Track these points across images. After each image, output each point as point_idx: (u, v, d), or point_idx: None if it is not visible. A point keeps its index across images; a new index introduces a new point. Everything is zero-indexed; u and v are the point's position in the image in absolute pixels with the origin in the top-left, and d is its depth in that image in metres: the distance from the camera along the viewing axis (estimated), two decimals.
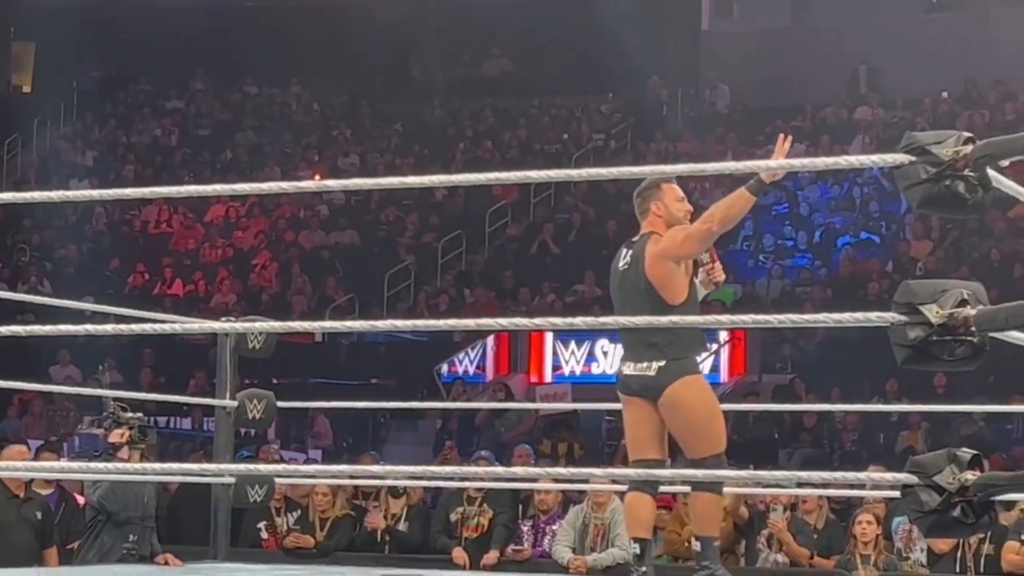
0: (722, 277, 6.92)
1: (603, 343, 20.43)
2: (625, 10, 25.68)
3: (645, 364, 6.71)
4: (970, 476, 4.15)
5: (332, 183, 4.82)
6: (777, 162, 4.76)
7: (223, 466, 8.69)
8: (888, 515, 10.21)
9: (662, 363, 6.68)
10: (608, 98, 27.99)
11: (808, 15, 28.00)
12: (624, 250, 6.91)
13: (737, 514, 10.40)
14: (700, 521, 6.87)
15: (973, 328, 4.17)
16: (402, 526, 10.94)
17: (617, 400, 6.92)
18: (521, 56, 28.93)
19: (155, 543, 9.20)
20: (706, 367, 7.12)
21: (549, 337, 20.73)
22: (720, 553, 7.16)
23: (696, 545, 7.15)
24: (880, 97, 25.78)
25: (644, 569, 6.77)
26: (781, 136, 6.47)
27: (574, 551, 10.26)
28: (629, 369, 6.78)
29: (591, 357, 20.61)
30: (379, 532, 11.04)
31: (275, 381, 16.64)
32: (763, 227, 22.15)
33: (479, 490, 10.74)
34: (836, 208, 22.93)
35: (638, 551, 6.81)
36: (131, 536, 9.03)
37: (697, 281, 6.89)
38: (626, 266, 6.82)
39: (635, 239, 6.89)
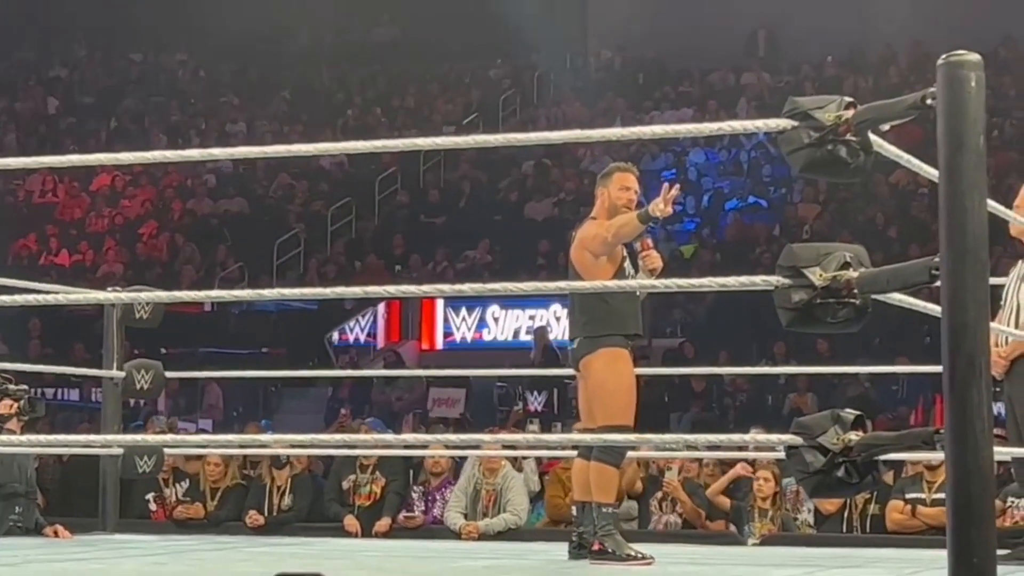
0: (657, 264, 7.16)
1: (494, 309, 20.46)
2: None
3: (573, 339, 7.13)
4: (853, 436, 4.20)
5: (217, 151, 4.76)
6: (663, 128, 4.79)
7: (111, 437, 8.61)
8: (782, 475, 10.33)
9: (581, 337, 7.05)
10: (497, 64, 27.98)
11: None
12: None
13: (632, 488, 10.49)
14: (596, 488, 7.00)
15: (855, 290, 4.21)
16: (287, 498, 10.90)
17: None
18: (410, 22, 28.82)
19: (38, 516, 9.13)
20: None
21: (440, 304, 20.74)
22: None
23: (573, 509, 7.34)
24: (766, 62, 25.96)
25: (581, 529, 7.08)
26: (667, 184, 6.79)
27: (466, 517, 10.29)
28: (569, 345, 7.23)
29: (482, 323, 20.63)
30: (269, 504, 10.98)
31: (164, 351, 16.59)
32: (651, 191, 22.21)
33: (371, 457, 10.75)
34: (724, 172, 23.09)
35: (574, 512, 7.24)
36: (16, 508, 8.97)
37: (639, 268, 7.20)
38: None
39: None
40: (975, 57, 4.11)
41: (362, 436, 5.72)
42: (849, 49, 25.18)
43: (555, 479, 10.62)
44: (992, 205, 4.57)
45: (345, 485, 10.87)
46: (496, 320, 20.50)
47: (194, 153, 4.86)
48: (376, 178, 24.05)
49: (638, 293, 7.12)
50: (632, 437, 6.14)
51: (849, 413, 4.26)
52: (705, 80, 25.92)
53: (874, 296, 4.31)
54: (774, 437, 4.54)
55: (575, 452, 7.41)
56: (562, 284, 6.04)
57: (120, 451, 8.83)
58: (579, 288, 6.94)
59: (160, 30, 28.90)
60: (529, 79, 27.04)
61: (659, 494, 10.52)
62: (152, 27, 28.82)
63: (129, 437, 8.66)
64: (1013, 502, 9.34)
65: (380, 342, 20.99)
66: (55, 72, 29.63)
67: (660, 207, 6.65)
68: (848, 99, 4.23)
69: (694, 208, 22.03)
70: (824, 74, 24.59)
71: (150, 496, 11.20)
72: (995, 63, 21.79)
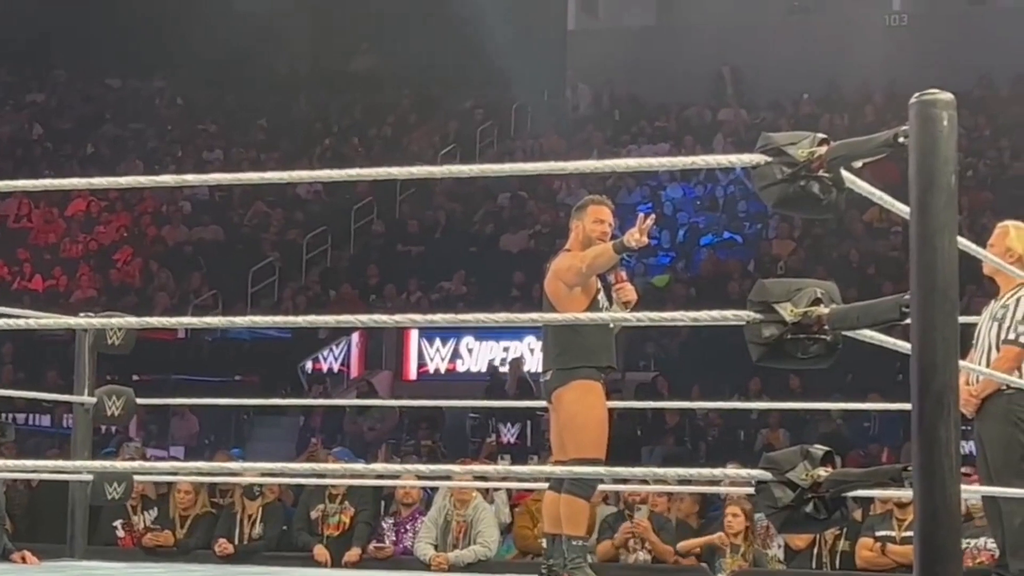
0: (631, 297, 7.16)
1: (468, 340, 20.45)
2: (493, 9, 25.71)
3: (546, 371, 7.14)
4: (822, 472, 4.21)
5: (191, 177, 4.75)
6: (638, 162, 4.79)
7: (80, 463, 8.57)
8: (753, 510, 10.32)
9: (553, 370, 7.07)
10: (475, 96, 28.02)
11: (673, 15, 28.23)
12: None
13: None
14: (566, 521, 6.99)
15: (826, 326, 4.22)
16: (258, 527, 10.86)
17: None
18: (388, 53, 28.85)
19: (7, 541, 9.08)
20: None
21: (414, 335, 20.71)
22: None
23: (543, 542, 7.36)
24: (743, 98, 26.05)
25: (551, 562, 7.06)
26: (642, 215, 6.78)
27: (436, 548, 10.26)
28: (541, 377, 7.24)
29: (456, 354, 20.61)
30: (239, 532, 10.94)
31: (136, 378, 16.51)
32: (627, 224, 22.23)
33: (339, 487, 10.72)
34: (699, 208, 23.14)
35: (544, 545, 7.29)
36: None
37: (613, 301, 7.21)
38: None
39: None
40: (947, 96, 4.13)
41: (332, 465, 5.71)
42: (826, 87, 25.29)
43: (525, 511, 10.61)
44: (965, 244, 4.59)
45: (314, 515, 10.83)
46: (470, 351, 20.49)
47: (168, 179, 4.85)
48: (352, 207, 24.05)
49: (612, 326, 7.12)
50: (602, 470, 6.14)
51: (818, 449, 4.27)
52: (682, 115, 26.00)
53: (845, 333, 4.32)
54: (744, 472, 4.55)
55: (547, 484, 7.40)
56: (536, 316, 6.03)
57: (90, 477, 8.79)
58: (553, 320, 6.94)
59: (138, 56, 28.87)
60: (507, 111, 27.09)
61: (627, 531, 10.46)
62: (130, 53, 28.79)
63: (99, 463, 8.61)
64: (969, 543, 9.33)
65: (353, 372, 20.94)
66: (32, 97, 29.59)
67: (636, 237, 6.65)
68: (821, 135, 4.24)
69: (669, 242, 22.07)
70: (800, 111, 24.68)
71: (117, 523, 11.14)
72: (970, 103, 21.92)
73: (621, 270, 7.14)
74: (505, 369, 19.47)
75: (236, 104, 28.95)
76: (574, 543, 6.94)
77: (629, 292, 7.14)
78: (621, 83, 26.91)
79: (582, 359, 7.00)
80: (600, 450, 6.93)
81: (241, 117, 28.53)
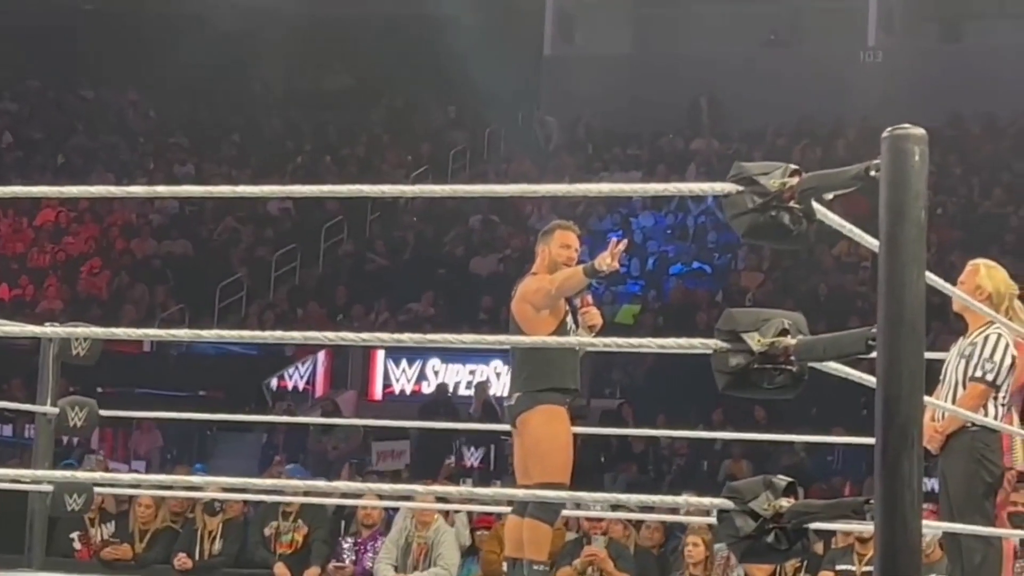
0: (597, 321, 7.16)
1: (434, 363, 20.42)
2: (468, 32, 25.74)
3: (511, 395, 7.11)
4: (785, 503, 4.20)
5: (161, 189, 4.74)
6: (610, 187, 4.80)
7: (41, 472, 8.52)
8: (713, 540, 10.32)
9: (519, 394, 7.04)
10: (448, 118, 28.03)
11: (649, 44, 28.30)
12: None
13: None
14: (528, 545, 6.97)
15: (793, 357, 4.22)
16: (218, 543, 10.83)
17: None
18: (363, 72, 28.85)
19: None
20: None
21: (380, 355, 20.68)
22: None
23: (504, 566, 7.33)
24: (716, 128, 26.12)
25: None
26: (614, 240, 6.83)
27: (396, 569, 10.24)
28: (506, 401, 7.22)
29: (422, 376, 20.58)
30: (200, 548, 10.90)
31: (100, 390, 16.44)
32: (597, 251, 22.22)
33: (292, 504, 10.70)
34: (670, 237, 23.18)
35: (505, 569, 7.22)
36: None
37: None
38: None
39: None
40: (919, 131, 4.14)
41: (296, 482, 5.68)
42: (799, 120, 25.38)
43: (493, 535, 10.57)
44: (934, 279, 4.60)
45: (267, 532, 10.81)
46: (436, 374, 20.46)
47: (139, 190, 4.83)
48: (322, 226, 24.01)
49: (579, 350, 7.12)
50: (565, 495, 6.13)
51: (781, 479, 4.26)
52: (655, 144, 26.04)
53: (811, 364, 4.32)
54: (706, 500, 4.54)
55: (510, 508, 7.38)
56: (503, 338, 6.04)
57: (50, 488, 8.74)
58: (521, 343, 6.93)
59: (112, 68, 28.80)
60: (480, 135, 27.10)
61: (589, 555, 10.45)
62: (104, 65, 28.73)
63: (60, 473, 8.57)
64: None
65: (319, 390, 20.90)
66: (4, 105, 29.48)
67: (607, 261, 6.67)
68: (793, 166, 4.24)
69: (639, 271, 22.08)
70: (774, 143, 24.74)
71: (74, 535, 11.10)
72: (942, 141, 21.99)
73: (587, 294, 7.15)
74: (466, 392, 19.48)
75: (209, 119, 28.90)
76: (536, 567, 6.93)
77: (595, 316, 7.14)
78: (595, 110, 26.94)
79: (549, 382, 7.00)
80: (565, 475, 6.92)
81: (213, 133, 28.47)
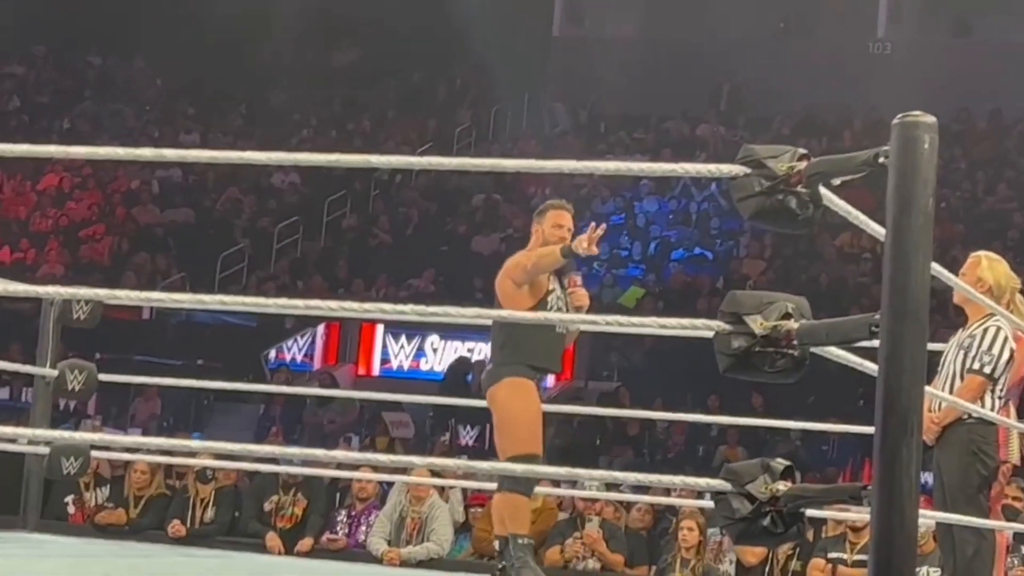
0: (584, 302, 7.10)
1: (433, 339, 20.42)
2: (477, 9, 25.69)
3: (487, 368, 7.14)
4: (782, 486, 4.20)
5: (168, 152, 4.75)
6: (616, 165, 4.80)
7: (38, 432, 8.53)
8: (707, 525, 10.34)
9: (490, 367, 7.07)
10: (456, 96, 28.00)
11: (657, 28, 28.24)
12: None
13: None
14: (508, 520, 6.99)
15: (795, 341, 4.22)
16: (210, 511, 10.84)
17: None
18: (371, 48, 28.80)
19: None
20: None
21: (380, 330, 20.67)
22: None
23: (496, 544, 7.33)
24: (722, 115, 26.09)
25: (502, 564, 7.00)
26: (593, 224, 6.79)
27: (389, 543, 10.26)
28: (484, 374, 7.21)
29: (420, 352, 20.58)
30: (192, 515, 10.91)
31: (99, 356, 16.43)
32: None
33: (294, 478, 10.72)
34: (672, 222, 23.17)
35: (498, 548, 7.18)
36: None
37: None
38: None
39: None
40: (930, 119, 4.14)
41: (294, 450, 5.68)
42: (806, 109, 25.35)
43: (485, 513, 10.57)
44: (937, 270, 4.59)
45: (267, 506, 10.83)
46: (435, 350, 20.45)
47: (146, 152, 4.83)
48: (325, 200, 24.00)
49: (561, 329, 7.10)
50: (561, 471, 6.12)
51: (779, 463, 4.27)
52: (661, 128, 26.02)
53: (813, 350, 4.33)
54: (703, 481, 4.55)
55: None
56: (505, 313, 6.03)
57: (46, 450, 8.76)
58: (523, 319, 6.88)
59: (120, 35, 28.75)
60: (486, 114, 27.07)
61: (578, 533, 10.46)
62: (112, 31, 28.67)
63: (56, 433, 8.58)
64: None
65: (317, 364, 20.90)
66: (11, 69, 29.44)
67: (583, 246, 6.66)
68: (802, 151, 4.24)
69: (640, 255, 22.08)
70: (780, 133, 24.70)
71: (69, 499, 11.12)
72: (948, 135, 21.90)
73: (576, 275, 7.11)
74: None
75: (216, 89, 28.86)
76: (520, 541, 6.92)
77: (582, 297, 7.10)
78: (601, 93, 26.91)
79: (517, 356, 6.98)
80: (535, 446, 6.88)
81: (220, 103, 28.45)
